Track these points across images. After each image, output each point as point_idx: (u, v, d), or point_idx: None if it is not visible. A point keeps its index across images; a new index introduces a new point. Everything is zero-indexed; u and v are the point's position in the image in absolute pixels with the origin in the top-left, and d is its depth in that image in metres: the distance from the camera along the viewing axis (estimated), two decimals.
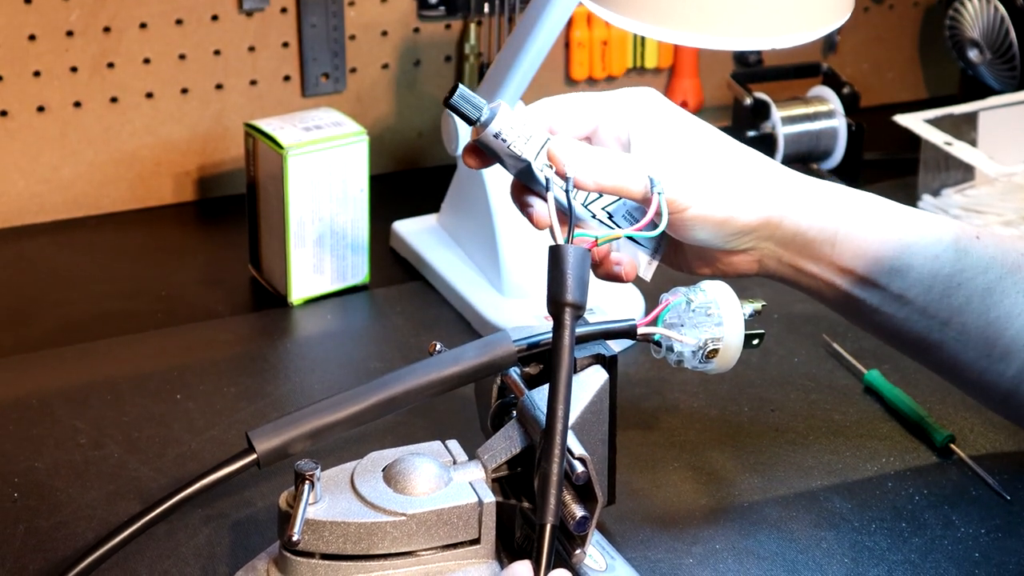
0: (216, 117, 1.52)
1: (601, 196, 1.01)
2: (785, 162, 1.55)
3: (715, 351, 0.99)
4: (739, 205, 1.00)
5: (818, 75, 1.61)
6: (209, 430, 1.17)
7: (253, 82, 1.52)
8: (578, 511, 0.91)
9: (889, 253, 1.02)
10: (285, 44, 1.52)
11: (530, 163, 0.98)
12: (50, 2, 1.42)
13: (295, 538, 0.90)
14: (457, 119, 1.34)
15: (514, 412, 0.99)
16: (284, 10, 1.51)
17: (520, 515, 0.96)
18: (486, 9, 1.56)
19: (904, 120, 1.51)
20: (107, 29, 1.45)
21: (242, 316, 1.34)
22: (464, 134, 1.34)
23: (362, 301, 1.37)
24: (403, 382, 0.97)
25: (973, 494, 1.12)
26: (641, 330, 1.00)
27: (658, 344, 1.00)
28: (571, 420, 0.93)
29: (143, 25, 1.46)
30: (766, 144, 1.54)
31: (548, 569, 0.87)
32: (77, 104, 1.47)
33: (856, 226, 1.02)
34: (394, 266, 1.42)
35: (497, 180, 1.33)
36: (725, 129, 1.07)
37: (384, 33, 1.56)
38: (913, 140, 1.51)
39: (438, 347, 1.02)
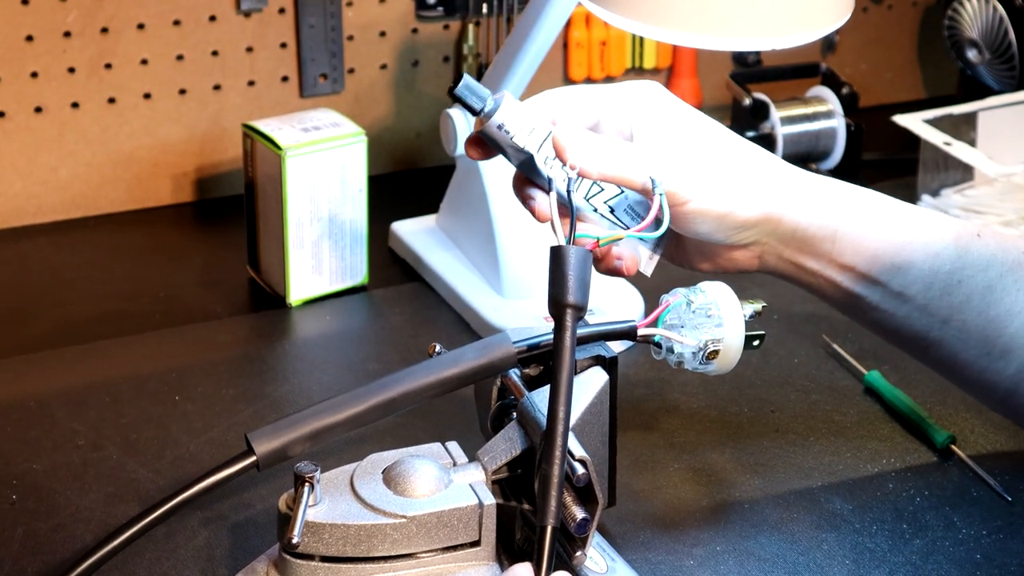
0: (214, 118, 1.51)
1: (603, 190, 1.01)
2: None
3: (715, 352, 0.99)
4: (740, 199, 1.00)
5: (817, 75, 1.61)
6: (208, 432, 1.17)
7: (251, 83, 1.52)
8: (579, 513, 0.91)
9: (889, 250, 1.02)
10: (283, 45, 1.52)
11: (533, 155, 0.97)
12: (48, 3, 1.42)
13: (295, 540, 0.90)
14: (456, 117, 1.34)
15: (514, 414, 0.98)
16: (282, 10, 1.51)
17: (520, 517, 0.96)
18: (484, 10, 1.56)
19: (903, 120, 1.51)
20: (105, 30, 1.45)
21: (241, 317, 1.34)
22: (463, 135, 1.34)
23: (361, 302, 1.37)
24: (403, 384, 0.97)
25: (974, 495, 1.11)
26: (641, 331, 0.99)
27: (658, 345, 1.00)
28: (571, 422, 0.93)
29: (141, 26, 1.46)
30: (765, 144, 1.54)
31: (549, 571, 0.87)
32: (75, 105, 1.47)
33: (856, 223, 1.02)
34: (393, 267, 1.42)
35: (496, 180, 1.33)
36: None
37: (382, 34, 1.55)
38: (912, 140, 1.51)
39: (437, 348, 1.02)
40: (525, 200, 0.99)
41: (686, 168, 0.98)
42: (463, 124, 1.34)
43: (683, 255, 1.05)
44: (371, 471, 0.95)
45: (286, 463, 0.96)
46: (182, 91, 1.50)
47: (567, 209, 0.95)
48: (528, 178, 0.99)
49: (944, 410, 1.21)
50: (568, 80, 1.63)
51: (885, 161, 1.62)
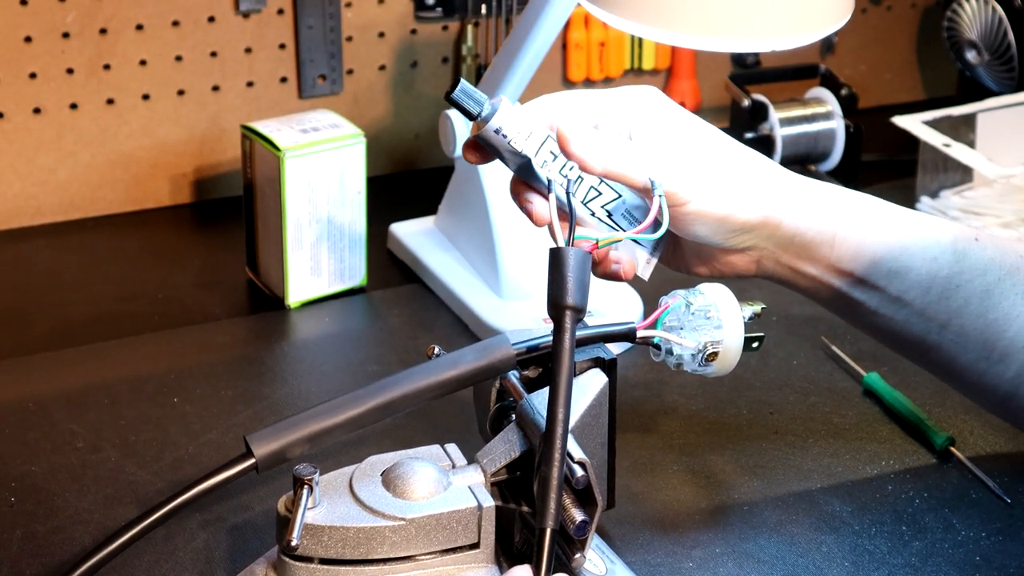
0: (213, 119, 1.51)
1: (600, 194, 1.01)
2: (783, 164, 1.54)
3: (715, 354, 0.99)
4: (740, 202, 1.00)
5: (816, 76, 1.61)
6: (206, 433, 1.17)
7: (250, 84, 1.52)
8: (578, 515, 0.91)
9: (887, 255, 1.02)
10: (282, 46, 1.52)
11: (531, 159, 0.97)
12: (46, 4, 1.42)
13: (294, 543, 0.90)
14: (455, 118, 1.34)
15: (513, 416, 0.98)
16: (281, 11, 1.51)
17: (519, 519, 0.96)
18: (483, 10, 1.56)
19: (902, 122, 1.51)
20: (103, 31, 1.45)
21: (239, 319, 1.34)
22: (462, 136, 1.33)
23: (359, 303, 1.37)
24: (401, 386, 0.97)
25: (973, 497, 1.11)
26: (640, 333, 0.99)
27: (657, 347, 1.00)
28: (571, 424, 0.93)
29: (139, 27, 1.46)
30: (764, 146, 1.54)
31: (548, 573, 0.87)
32: (73, 106, 1.46)
33: (854, 228, 1.02)
34: (391, 268, 1.42)
35: (495, 182, 1.33)
36: (723, 131, 1.07)
37: (381, 35, 1.55)
38: (911, 142, 1.51)
39: (436, 350, 1.02)
40: (523, 205, 0.99)
41: (686, 170, 0.98)
42: (462, 125, 1.33)
43: (680, 259, 1.05)
44: (370, 473, 0.95)
45: (285, 465, 0.96)
46: (181, 92, 1.50)
47: (566, 213, 0.95)
48: (526, 183, 0.99)
49: (943, 412, 1.20)
50: (567, 81, 1.63)
51: (884, 162, 1.61)
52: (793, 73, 1.63)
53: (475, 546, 0.94)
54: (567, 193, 0.95)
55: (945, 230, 1.04)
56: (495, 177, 1.33)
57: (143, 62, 1.47)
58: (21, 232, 1.47)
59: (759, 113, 1.55)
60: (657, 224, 0.97)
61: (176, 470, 1.13)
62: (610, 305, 1.30)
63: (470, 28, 1.57)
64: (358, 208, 1.35)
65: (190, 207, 1.53)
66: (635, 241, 1.03)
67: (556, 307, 0.91)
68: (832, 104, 1.56)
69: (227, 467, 0.94)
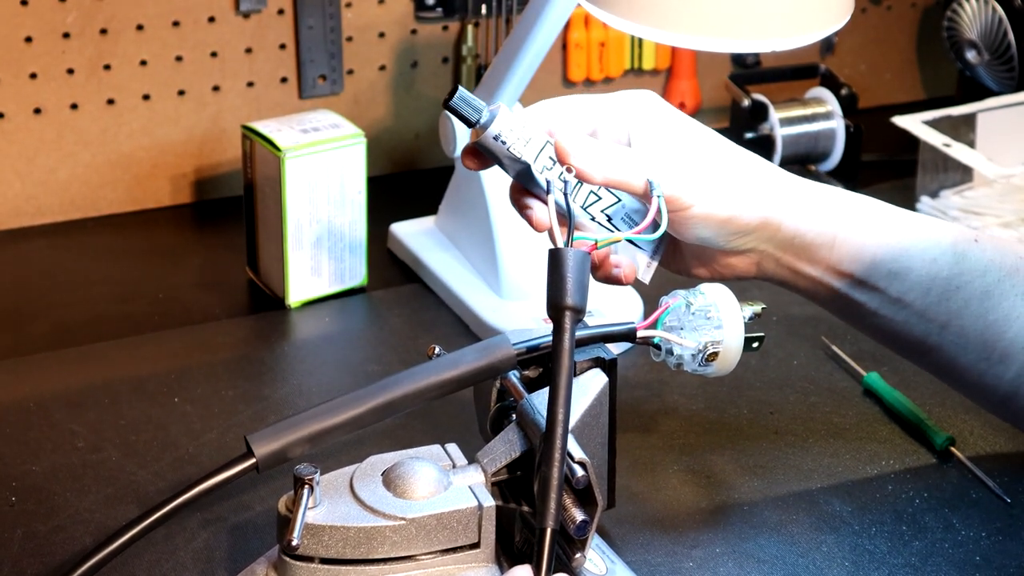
0: (213, 119, 1.51)
1: (600, 199, 1.01)
2: (783, 163, 1.54)
3: (715, 354, 0.99)
4: (741, 205, 1.00)
5: (816, 76, 1.61)
6: (207, 433, 1.17)
7: (250, 84, 1.52)
8: (578, 515, 0.91)
9: (887, 256, 1.02)
10: (282, 46, 1.52)
11: (530, 165, 0.97)
12: (47, 4, 1.42)
13: (294, 542, 0.90)
14: (455, 119, 1.34)
15: (513, 416, 0.98)
16: (281, 12, 1.51)
17: (520, 519, 0.96)
18: (483, 11, 1.56)
19: (902, 121, 1.51)
20: (104, 31, 1.45)
21: (240, 319, 1.34)
22: (462, 136, 1.33)
23: (360, 303, 1.37)
24: (402, 386, 0.97)
25: (973, 497, 1.11)
26: (641, 333, 0.99)
27: (658, 347, 1.00)
28: (571, 424, 0.93)
29: (140, 27, 1.46)
30: (764, 146, 1.54)
31: (548, 573, 0.87)
32: (74, 106, 1.46)
33: (854, 229, 1.02)
34: (392, 268, 1.42)
35: (495, 182, 1.33)
36: (723, 131, 1.07)
37: (381, 35, 1.55)
38: (911, 141, 1.51)
39: (437, 350, 1.02)
40: (522, 210, 1.00)
41: (687, 173, 0.98)
42: (462, 126, 1.33)
43: (680, 262, 1.06)
44: (371, 473, 0.95)
45: (285, 465, 0.96)
46: (181, 92, 1.50)
47: (565, 217, 0.95)
48: (525, 188, 0.99)
49: (943, 412, 1.21)
50: (567, 81, 1.63)
51: (884, 162, 1.61)
52: (793, 73, 1.63)
53: (476, 546, 0.94)
54: (565, 195, 0.95)
55: (945, 231, 1.04)
56: (495, 177, 1.33)
57: (143, 62, 1.47)
58: (21, 232, 1.47)
59: (759, 113, 1.55)
60: (656, 225, 0.97)
61: (177, 470, 1.13)
62: (610, 305, 1.29)
63: (470, 28, 1.57)
64: (358, 208, 1.35)
65: (190, 207, 1.53)
66: (634, 244, 1.03)
67: (555, 308, 0.91)
68: (832, 104, 1.56)
69: (228, 467, 0.95)
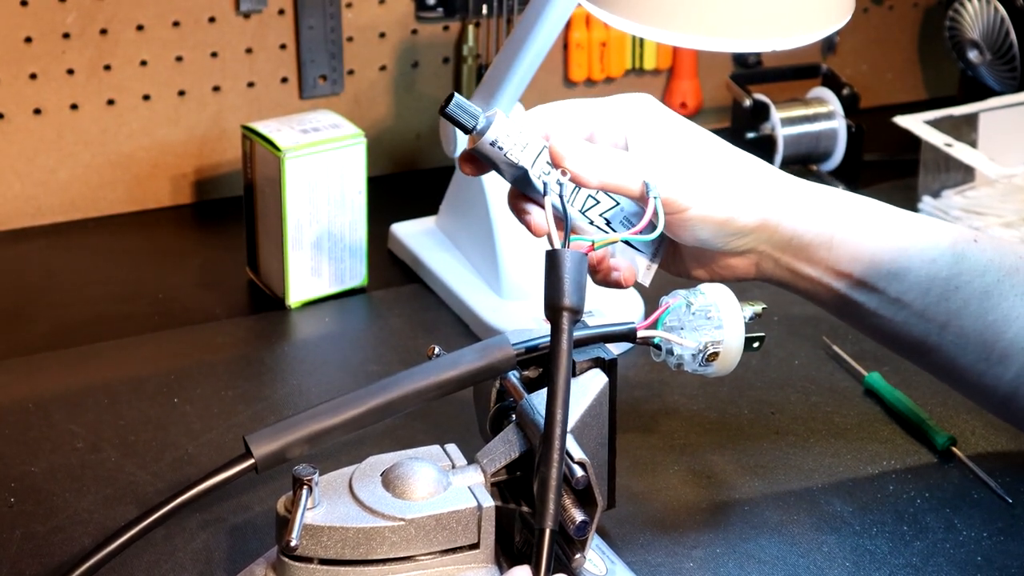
0: (213, 119, 1.51)
1: (598, 203, 1.01)
2: (785, 163, 1.54)
3: (715, 354, 0.99)
4: (739, 206, 1.00)
5: (817, 76, 1.61)
6: (206, 434, 1.17)
7: (250, 84, 1.52)
8: (578, 515, 0.91)
9: (886, 257, 1.02)
10: (283, 46, 1.52)
11: (527, 170, 0.98)
12: (46, 4, 1.42)
13: (293, 543, 0.90)
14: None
15: (513, 416, 0.98)
16: (282, 12, 1.51)
17: (519, 519, 0.95)
18: (484, 11, 1.55)
19: (904, 121, 1.51)
20: (104, 31, 1.45)
21: (239, 319, 1.34)
22: (463, 137, 1.33)
23: (360, 304, 1.37)
24: (402, 386, 0.97)
25: (975, 497, 1.11)
26: (641, 333, 0.99)
27: (658, 347, 1.00)
28: (570, 424, 0.92)
29: (140, 27, 1.46)
30: (766, 146, 1.54)
31: (548, 574, 0.87)
32: (74, 106, 1.46)
33: (853, 230, 1.02)
34: (392, 269, 1.42)
35: (495, 182, 1.32)
36: (724, 131, 1.07)
37: (382, 35, 1.55)
38: (913, 141, 1.50)
39: (436, 351, 1.02)
40: (520, 215, 1.00)
41: (684, 175, 0.98)
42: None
43: (680, 264, 1.06)
44: (370, 473, 0.95)
45: (284, 466, 0.95)
46: (181, 92, 1.49)
47: (562, 219, 0.95)
48: (523, 194, 1.00)
49: (944, 412, 1.20)
50: (568, 81, 1.62)
51: (886, 162, 1.61)
52: (794, 73, 1.63)
53: (475, 546, 0.94)
54: (561, 197, 0.96)
55: (944, 232, 1.04)
56: (495, 178, 1.32)
57: (143, 62, 1.47)
58: (21, 232, 1.47)
59: (761, 113, 1.55)
60: (652, 226, 0.97)
61: (176, 470, 1.13)
62: (610, 305, 1.29)
63: (471, 28, 1.56)
64: (359, 208, 1.35)
65: (190, 207, 1.53)
66: (631, 246, 1.03)
67: (553, 309, 0.91)
68: (834, 104, 1.55)
69: (226, 467, 0.94)
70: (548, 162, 0.98)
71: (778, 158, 1.54)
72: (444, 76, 1.59)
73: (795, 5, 1.06)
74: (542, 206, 0.97)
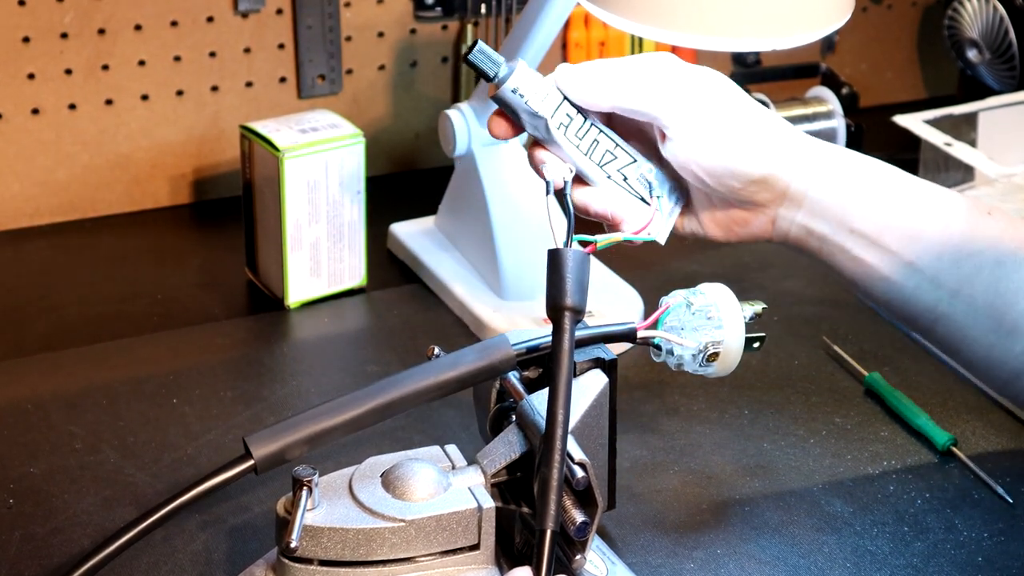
0: (212, 119, 1.51)
1: (616, 158, 1.01)
2: None
3: (716, 354, 0.99)
4: (744, 150, 1.00)
5: (817, 75, 1.61)
6: (205, 434, 1.17)
7: (249, 84, 1.51)
8: (578, 516, 0.91)
9: (901, 219, 1.02)
10: (281, 46, 1.52)
11: (547, 120, 0.98)
12: (44, 4, 1.42)
13: (293, 544, 0.89)
14: (455, 118, 1.33)
15: (513, 416, 0.98)
16: (280, 11, 1.50)
17: (520, 520, 0.95)
18: (483, 10, 1.55)
19: (903, 121, 1.51)
20: (102, 31, 1.45)
21: (238, 319, 1.34)
22: (462, 136, 1.33)
23: (359, 304, 1.36)
24: (401, 387, 0.97)
25: (976, 497, 1.11)
26: (641, 334, 0.99)
27: (658, 348, 1.00)
28: (571, 425, 0.92)
29: (138, 27, 1.46)
30: None
31: (548, 575, 0.86)
32: (72, 106, 1.46)
33: (869, 191, 1.02)
34: (391, 269, 1.42)
35: (495, 181, 1.33)
36: None
37: (380, 34, 1.55)
38: (913, 141, 1.50)
39: (436, 351, 1.01)
40: (537, 166, 1.01)
41: (696, 126, 0.99)
42: (462, 125, 1.33)
43: (695, 223, 1.05)
44: (370, 475, 0.95)
45: (284, 466, 0.95)
46: (179, 92, 1.49)
47: (566, 214, 0.95)
48: (543, 146, 1.00)
49: (945, 412, 1.20)
50: None
51: (885, 161, 1.61)
52: (794, 72, 1.63)
53: (475, 547, 0.94)
54: (565, 197, 0.96)
55: (959, 201, 1.04)
56: (495, 177, 1.33)
57: (142, 62, 1.47)
58: (20, 233, 1.47)
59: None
60: (652, 228, 0.99)
61: (175, 471, 1.12)
62: (610, 305, 1.29)
63: (470, 28, 1.56)
64: (358, 208, 1.35)
65: (189, 208, 1.53)
66: (645, 202, 1.03)
67: (555, 308, 0.91)
68: (833, 103, 1.55)
69: (226, 468, 0.94)
70: (568, 114, 1.00)
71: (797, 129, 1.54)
72: (443, 76, 1.59)
73: (794, 4, 1.06)
74: (562, 158, 0.99)
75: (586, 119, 1.00)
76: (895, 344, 1.28)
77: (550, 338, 0.94)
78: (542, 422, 0.91)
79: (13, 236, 1.46)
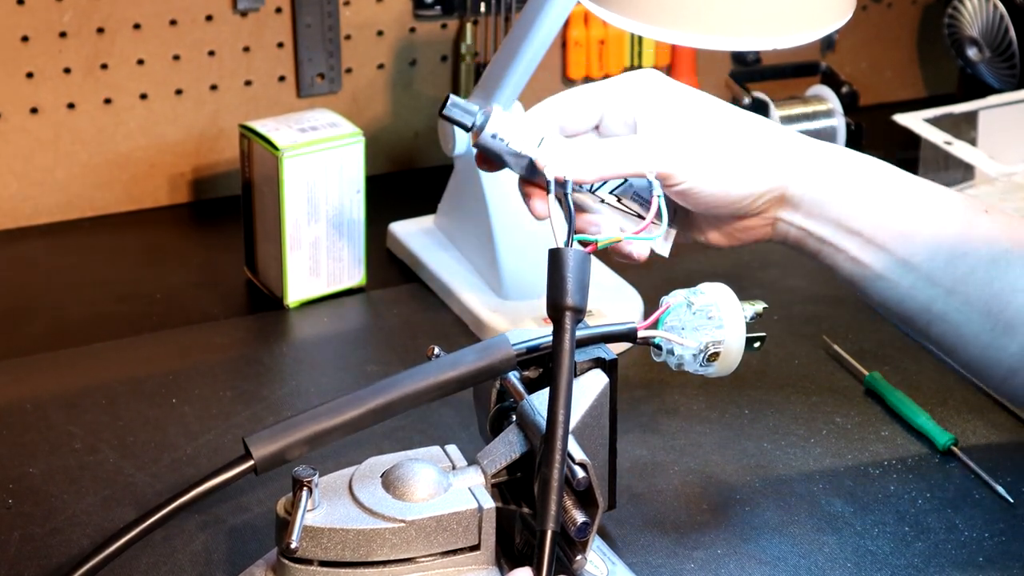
0: (211, 118, 1.51)
1: (606, 182, 1.01)
2: None
3: (716, 354, 0.99)
4: (736, 176, 1.01)
5: (817, 74, 1.61)
6: (205, 434, 1.17)
7: (248, 83, 1.51)
8: (579, 517, 0.91)
9: (896, 217, 1.02)
10: (280, 44, 1.51)
11: (531, 159, 0.98)
12: (43, 3, 1.41)
13: (293, 545, 0.89)
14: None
15: (513, 416, 0.98)
16: (279, 10, 1.50)
17: (520, 521, 0.95)
18: (482, 8, 1.55)
19: (904, 119, 1.50)
20: (101, 30, 1.44)
21: (238, 319, 1.33)
22: (461, 135, 1.33)
23: (358, 303, 1.36)
24: (401, 387, 0.97)
25: (976, 497, 1.11)
26: (641, 333, 0.99)
27: (658, 347, 0.99)
28: (571, 425, 0.92)
29: (137, 26, 1.45)
30: None
31: (549, 575, 0.86)
32: (71, 106, 1.46)
33: (864, 190, 1.02)
34: (391, 268, 1.42)
35: (494, 181, 1.32)
36: None
37: (380, 33, 1.55)
38: (913, 139, 1.50)
39: (436, 351, 1.01)
40: (528, 198, 1.00)
41: (677, 149, 0.99)
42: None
43: (696, 230, 1.05)
44: (370, 475, 0.95)
45: (284, 467, 0.95)
46: (178, 91, 1.49)
47: (569, 215, 0.95)
48: (532, 182, 1.00)
49: (946, 412, 1.20)
50: (567, 79, 1.62)
51: (886, 161, 1.61)
52: (794, 71, 1.62)
53: (476, 548, 0.94)
54: (566, 196, 0.96)
55: (954, 199, 1.04)
56: (495, 176, 1.32)
57: (141, 61, 1.47)
58: (19, 232, 1.47)
59: (760, 111, 1.54)
60: (656, 225, 0.98)
61: (174, 471, 1.12)
62: (611, 305, 1.29)
63: (469, 26, 1.56)
64: (357, 207, 1.35)
65: (188, 207, 1.52)
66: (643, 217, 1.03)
67: (556, 308, 0.91)
68: (833, 102, 1.55)
69: (226, 469, 0.94)
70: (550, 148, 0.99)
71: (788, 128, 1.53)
72: (442, 74, 1.58)
73: (795, 3, 1.06)
74: (548, 192, 0.98)
75: None
76: (895, 343, 1.28)
77: (550, 338, 0.94)
78: (542, 422, 0.91)
79: (11, 235, 1.46)
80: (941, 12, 1.69)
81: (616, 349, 1.02)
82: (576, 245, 0.93)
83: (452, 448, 0.98)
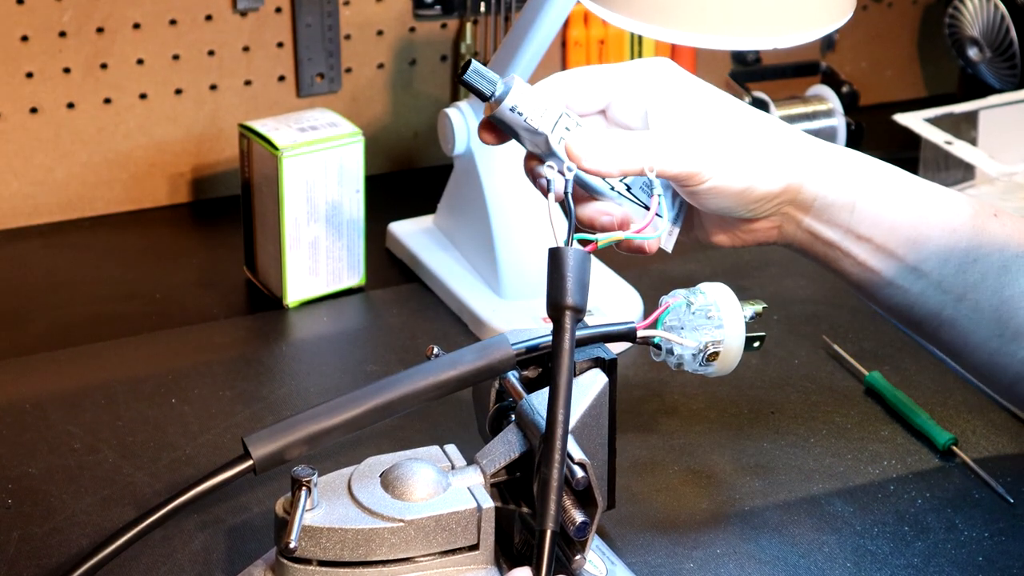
0: (210, 118, 1.51)
1: None
2: None
3: (716, 354, 0.99)
4: (760, 174, 0.99)
5: (817, 74, 1.60)
6: (204, 434, 1.17)
7: (248, 82, 1.51)
8: (578, 516, 0.90)
9: (907, 223, 1.02)
10: (280, 44, 1.51)
11: (547, 136, 0.97)
12: (43, 2, 1.41)
13: (292, 545, 0.89)
14: (454, 117, 1.33)
15: (513, 416, 0.98)
16: (279, 10, 1.50)
17: (519, 520, 0.95)
18: (482, 8, 1.55)
19: (904, 119, 1.50)
20: (100, 30, 1.44)
21: (237, 319, 1.33)
22: (461, 135, 1.33)
23: (358, 303, 1.36)
24: (400, 386, 0.96)
25: (976, 497, 1.11)
26: (641, 333, 0.99)
27: (658, 347, 0.99)
28: (571, 424, 0.92)
29: (136, 25, 1.45)
30: None
31: (548, 575, 0.86)
32: (70, 105, 1.46)
33: (875, 195, 1.02)
34: (390, 268, 1.42)
35: (494, 180, 1.32)
36: None
37: (380, 32, 1.55)
38: (913, 139, 1.50)
39: (435, 351, 1.01)
40: (536, 180, 0.99)
41: (703, 147, 0.98)
42: (461, 123, 1.33)
43: (701, 230, 1.05)
44: (369, 475, 0.95)
45: (283, 467, 0.95)
46: (178, 91, 1.49)
47: (566, 212, 0.95)
48: (540, 159, 0.99)
49: (945, 411, 1.20)
50: None
51: (886, 160, 1.60)
52: (794, 70, 1.62)
53: (475, 547, 0.93)
54: (567, 195, 0.95)
55: (965, 204, 1.03)
56: (494, 176, 1.33)
57: (140, 61, 1.47)
58: (18, 232, 1.47)
59: (760, 111, 1.54)
60: (655, 225, 0.98)
61: (174, 471, 1.12)
62: (610, 305, 1.29)
63: (469, 26, 1.56)
64: (356, 207, 1.35)
65: (188, 206, 1.52)
66: (650, 211, 1.02)
67: (556, 307, 0.91)
68: (833, 101, 1.55)
69: (225, 469, 0.94)
70: (567, 127, 0.98)
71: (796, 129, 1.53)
72: (442, 74, 1.58)
73: (795, 3, 1.05)
74: (560, 172, 0.97)
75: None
76: (895, 343, 1.28)
77: (550, 337, 0.94)
78: (542, 422, 0.91)
79: (11, 235, 1.46)
80: (942, 12, 1.69)
81: (616, 349, 1.02)
82: (576, 244, 0.93)
83: (451, 448, 0.98)
